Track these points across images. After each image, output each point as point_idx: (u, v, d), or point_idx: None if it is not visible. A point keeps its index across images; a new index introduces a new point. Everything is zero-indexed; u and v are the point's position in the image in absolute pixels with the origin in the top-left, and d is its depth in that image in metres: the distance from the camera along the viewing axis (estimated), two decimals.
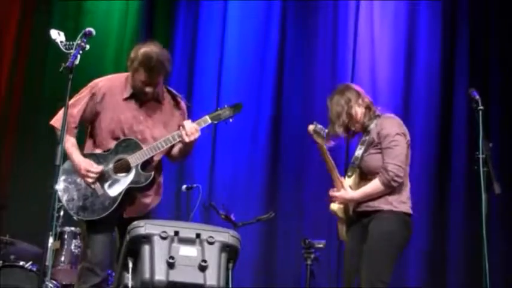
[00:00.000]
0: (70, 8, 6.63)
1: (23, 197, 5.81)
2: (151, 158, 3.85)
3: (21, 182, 6.07)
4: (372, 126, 3.92)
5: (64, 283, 4.78)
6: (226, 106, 3.98)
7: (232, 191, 6.16)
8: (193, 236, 3.19)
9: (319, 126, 3.91)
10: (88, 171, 3.77)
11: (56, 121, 3.86)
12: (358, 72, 6.32)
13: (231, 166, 6.31)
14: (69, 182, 3.80)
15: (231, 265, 3.24)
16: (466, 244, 5.78)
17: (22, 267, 4.70)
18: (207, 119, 3.91)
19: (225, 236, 3.23)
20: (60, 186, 3.78)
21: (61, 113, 3.85)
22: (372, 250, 3.76)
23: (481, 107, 3.73)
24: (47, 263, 3.34)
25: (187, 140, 3.82)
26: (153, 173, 3.84)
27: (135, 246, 3.18)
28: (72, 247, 4.94)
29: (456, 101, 6.13)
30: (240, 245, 3.28)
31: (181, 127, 3.83)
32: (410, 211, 3.87)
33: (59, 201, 3.75)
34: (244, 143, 6.35)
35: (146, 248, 3.14)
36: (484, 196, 3.62)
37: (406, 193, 3.90)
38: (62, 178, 3.79)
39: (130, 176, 3.80)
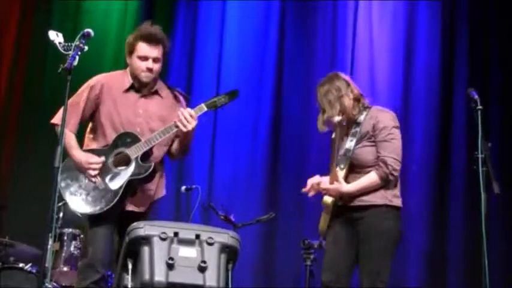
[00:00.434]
0: (69, 8, 6.64)
1: (23, 198, 5.81)
2: (151, 150, 3.86)
3: (21, 183, 6.07)
4: (362, 117, 3.82)
5: (64, 284, 4.78)
6: (222, 94, 3.98)
7: (231, 192, 6.16)
8: (193, 237, 3.19)
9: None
10: (90, 163, 3.79)
11: (57, 119, 3.88)
12: (357, 72, 6.32)
13: (230, 167, 6.31)
14: (70, 178, 3.81)
15: (230, 266, 3.24)
16: (465, 244, 5.78)
17: (22, 269, 4.70)
18: (202, 107, 3.89)
19: (225, 236, 3.23)
20: (61, 183, 3.79)
21: (61, 110, 3.87)
22: (373, 250, 3.70)
23: (480, 107, 3.73)
24: (46, 265, 3.33)
25: (184, 129, 3.81)
26: (153, 163, 3.84)
27: (135, 248, 3.19)
28: (72, 249, 4.94)
29: (455, 101, 6.13)
30: (240, 246, 3.28)
31: (177, 116, 3.81)
32: (401, 205, 3.83)
33: (61, 199, 3.76)
34: (243, 144, 6.35)
35: (146, 249, 3.14)
36: (483, 196, 3.61)
37: (398, 187, 3.85)
38: (63, 176, 3.79)
39: (131, 168, 3.81)
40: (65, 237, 4.96)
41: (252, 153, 6.33)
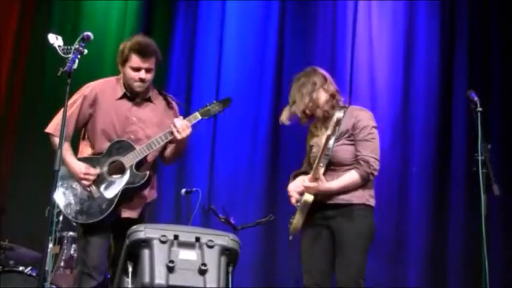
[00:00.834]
0: (69, 9, 6.63)
1: (22, 201, 5.80)
2: (145, 157, 3.88)
3: (20, 186, 6.06)
4: (339, 116, 3.77)
5: (63, 287, 4.77)
6: (215, 101, 4.02)
7: (231, 194, 6.15)
8: (193, 239, 3.20)
9: None
10: (85, 174, 3.80)
11: (51, 128, 3.89)
12: (356, 72, 6.31)
13: (230, 169, 6.30)
14: (65, 187, 3.82)
15: (230, 268, 3.26)
16: (465, 245, 5.78)
17: (21, 272, 4.69)
18: (197, 115, 3.94)
19: (225, 239, 3.24)
20: (56, 192, 3.79)
21: (55, 120, 3.89)
22: (352, 248, 3.69)
23: (479, 109, 3.73)
24: (46, 268, 3.33)
25: (178, 136, 3.84)
26: (148, 172, 3.87)
27: (135, 251, 3.20)
28: (72, 252, 4.93)
29: (455, 102, 6.12)
30: (240, 249, 3.29)
31: (172, 124, 3.84)
32: (374, 205, 3.86)
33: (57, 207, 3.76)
34: (243, 146, 6.34)
35: (146, 252, 3.16)
36: (483, 197, 3.62)
37: (373, 188, 3.88)
38: (58, 184, 3.80)
39: (126, 177, 3.83)
40: (65, 241, 4.96)
41: (252, 155, 6.32)
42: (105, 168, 3.85)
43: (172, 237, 3.18)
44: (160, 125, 3.93)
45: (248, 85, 6.48)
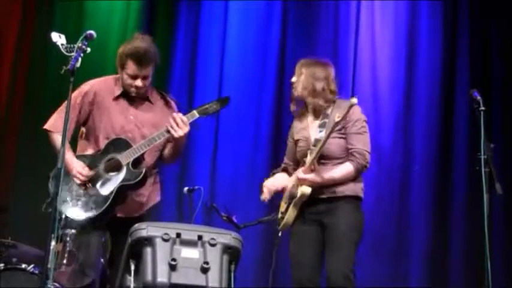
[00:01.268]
0: (71, 8, 6.63)
1: (25, 199, 5.80)
2: (143, 156, 3.88)
3: (23, 184, 6.07)
4: (330, 109, 3.83)
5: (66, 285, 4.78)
6: (213, 100, 4.01)
7: (234, 193, 6.15)
8: (195, 238, 3.20)
9: None
10: (79, 172, 3.81)
11: (49, 125, 3.89)
12: (359, 72, 6.31)
13: (232, 167, 6.30)
14: (62, 184, 3.81)
15: (233, 267, 3.25)
16: (467, 244, 5.77)
17: (24, 269, 4.69)
18: (194, 114, 3.93)
19: (227, 237, 3.23)
20: (53, 189, 3.80)
21: (54, 117, 3.90)
22: (343, 242, 3.71)
23: (482, 108, 3.73)
24: (49, 266, 3.34)
25: (175, 134, 3.83)
26: (144, 170, 3.86)
27: (137, 249, 3.19)
28: (74, 249, 4.92)
29: (457, 101, 6.12)
30: (242, 247, 3.28)
31: (169, 122, 3.84)
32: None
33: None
34: (245, 144, 6.34)
35: (148, 250, 3.15)
36: (485, 196, 3.62)
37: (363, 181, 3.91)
38: (55, 181, 3.80)
39: (122, 174, 3.84)
40: (67, 238, 4.95)
41: (254, 153, 6.32)
42: (102, 166, 3.85)
43: (174, 236, 3.17)
44: (158, 125, 3.93)
45: (250, 84, 6.48)
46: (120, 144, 3.87)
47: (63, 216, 4.51)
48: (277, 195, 4.04)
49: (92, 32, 3.58)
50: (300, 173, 3.78)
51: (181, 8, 6.73)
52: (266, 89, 6.47)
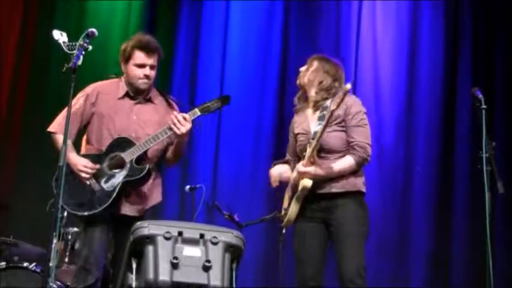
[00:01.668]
0: (73, 8, 6.64)
1: (27, 197, 5.81)
2: (145, 153, 3.90)
3: (25, 182, 6.07)
4: (328, 102, 3.79)
5: (68, 284, 4.77)
6: (214, 98, 4.02)
7: (235, 191, 6.16)
8: (197, 236, 3.20)
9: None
10: (84, 166, 3.82)
11: (54, 127, 3.91)
12: (360, 72, 6.32)
13: (234, 166, 6.31)
14: (65, 180, 3.82)
15: (234, 265, 3.25)
16: (469, 244, 5.77)
17: (26, 268, 4.70)
18: (196, 111, 3.94)
19: (229, 236, 3.24)
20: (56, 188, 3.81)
21: (58, 119, 3.92)
22: (350, 237, 3.67)
23: (484, 106, 3.72)
24: (51, 264, 3.34)
25: (178, 131, 3.84)
26: (147, 165, 3.87)
27: (139, 247, 3.19)
28: (76, 247, 4.93)
29: (459, 101, 6.12)
30: (244, 245, 3.28)
31: (171, 119, 3.85)
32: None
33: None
34: (247, 143, 6.35)
35: (150, 249, 3.15)
36: (487, 195, 3.61)
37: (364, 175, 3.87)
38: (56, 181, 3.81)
39: (125, 171, 3.85)
40: (69, 236, 4.97)
41: (256, 152, 6.32)
42: (106, 163, 3.87)
43: (176, 234, 3.18)
44: (161, 125, 3.94)
45: (252, 84, 6.49)
46: (123, 142, 3.89)
47: (65, 214, 4.54)
48: (281, 190, 4.02)
49: (94, 29, 3.59)
50: (300, 166, 3.74)
51: (182, 7, 6.74)
52: (268, 88, 6.47)
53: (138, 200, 3.94)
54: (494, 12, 6.27)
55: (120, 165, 3.86)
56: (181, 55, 6.60)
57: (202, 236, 3.20)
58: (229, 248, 3.21)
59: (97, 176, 3.85)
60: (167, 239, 3.15)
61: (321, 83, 3.87)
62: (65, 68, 3.47)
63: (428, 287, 5.83)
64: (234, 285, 3.22)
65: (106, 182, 3.85)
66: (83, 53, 3.52)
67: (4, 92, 6.46)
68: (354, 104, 3.81)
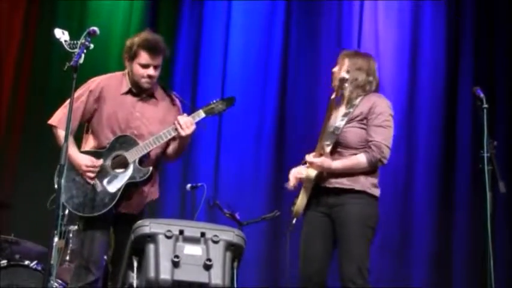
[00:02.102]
0: (74, 8, 6.64)
1: (28, 196, 5.81)
2: (148, 153, 3.89)
3: (26, 181, 6.08)
4: (358, 100, 3.75)
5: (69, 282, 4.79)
6: (219, 100, 4.03)
7: (237, 190, 6.16)
8: (198, 235, 3.20)
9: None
10: (88, 166, 3.81)
11: (55, 120, 3.90)
12: None
13: (235, 165, 6.31)
14: (67, 180, 3.82)
15: (235, 264, 3.25)
16: (471, 243, 5.77)
17: (27, 266, 4.70)
18: (200, 113, 3.94)
19: (230, 234, 3.24)
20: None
21: (59, 112, 3.91)
22: (353, 237, 3.63)
23: (485, 105, 3.71)
24: (52, 262, 3.34)
25: (183, 133, 3.85)
26: (151, 168, 3.88)
27: (140, 245, 3.20)
28: (77, 246, 4.94)
29: (461, 100, 6.12)
30: (245, 244, 3.28)
31: (176, 121, 3.85)
32: (379, 195, 3.77)
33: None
34: (248, 142, 6.35)
35: (151, 247, 3.16)
36: (489, 195, 3.60)
37: (378, 177, 3.78)
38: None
39: (129, 172, 3.84)
40: (70, 235, 4.97)
41: (257, 151, 6.33)
42: (108, 162, 3.86)
43: (177, 232, 3.18)
44: (164, 122, 3.94)
45: (254, 83, 6.49)
46: (126, 141, 3.87)
47: (66, 212, 4.54)
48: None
49: (95, 28, 3.58)
50: (310, 156, 3.73)
51: (184, 7, 6.74)
52: (269, 88, 6.47)
53: (137, 197, 3.93)
54: (496, 12, 6.27)
55: (123, 165, 3.85)
56: (183, 55, 6.60)
57: (203, 234, 3.20)
58: (230, 246, 3.21)
59: (99, 174, 3.84)
60: (168, 237, 3.16)
61: (356, 80, 3.80)
62: (66, 67, 3.46)
63: (430, 287, 5.83)
64: (235, 284, 3.22)
65: (109, 182, 3.83)
66: (85, 51, 3.51)
67: (6, 90, 6.46)
68: (380, 104, 3.75)
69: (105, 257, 4.16)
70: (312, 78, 6.42)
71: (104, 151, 3.88)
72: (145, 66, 3.90)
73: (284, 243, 5.91)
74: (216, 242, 3.19)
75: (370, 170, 3.70)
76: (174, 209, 5.98)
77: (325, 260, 3.74)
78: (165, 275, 3.10)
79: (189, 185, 5.22)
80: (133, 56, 3.92)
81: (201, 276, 3.13)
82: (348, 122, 3.70)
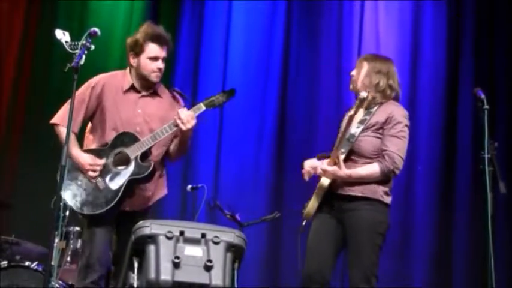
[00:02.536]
0: (75, 7, 6.64)
1: (28, 196, 5.82)
2: (150, 150, 3.87)
3: (26, 182, 6.08)
4: (375, 108, 3.74)
5: (70, 283, 4.78)
6: (220, 92, 4.00)
7: (237, 191, 6.16)
8: (199, 236, 3.20)
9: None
10: (91, 165, 3.81)
11: (57, 119, 3.90)
12: None
13: (236, 166, 6.31)
14: (70, 179, 3.82)
15: (236, 265, 3.25)
16: (471, 244, 5.77)
17: (28, 267, 4.71)
18: (201, 106, 3.91)
19: (231, 235, 3.23)
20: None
21: (61, 110, 3.90)
22: (363, 243, 3.63)
23: (486, 106, 3.71)
24: (52, 263, 3.34)
25: (183, 127, 3.82)
26: (153, 163, 3.86)
27: (141, 246, 3.19)
28: (78, 247, 4.94)
29: (461, 101, 6.12)
30: (246, 245, 3.28)
31: (176, 116, 3.83)
32: (390, 203, 3.76)
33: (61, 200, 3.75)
34: (249, 143, 6.35)
35: (152, 248, 3.15)
36: (489, 196, 3.59)
37: (391, 185, 3.78)
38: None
39: (131, 168, 3.83)
40: (71, 235, 4.97)
41: (258, 152, 6.33)
42: (110, 160, 3.85)
43: (178, 233, 3.17)
44: (166, 119, 3.92)
45: (254, 83, 6.49)
46: (127, 138, 3.86)
47: (67, 213, 4.53)
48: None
49: (96, 29, 3.58)
50: (324, 164, 3.73)
51: (184, 7, 6.74)
52: (270, 88, 6.47)
53: (141, 195, 3.92)
54: (496, 12, 6.27)
55: (125, 161, 3.84)
56: (184, 55, 6.60)
57: (204, 235, 3.19)
58: (230, 247, 3.21)
59: (101, 172, 3.83)
60: (169, 238, 3.15)
61: (377, 84, 3.80)
62: (67, 68, 3.47)
63: (431, 287, 5.83)
64: (235, 285, 3.22)
65: (111, 179, 3.83)
66: (85, 52, 3.52)
67: (6, 91, 6.46)
68: (397, 114, 3.74)
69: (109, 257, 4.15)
70: (312, 78, 6.43)
71: (105, 149, 3.87)
72: (154, 58, 3.89)
73: (284, 247, 5.97)
74: (216, 243, 3.18)
75: (382, 179, 3.71)
76: (174, 210, 5.98)
77: (329, 261, 3.74)
78: (165, 276, 3.09)
79: (189, 186, 5.21)
80: (140, 51, 3.90)
81: (202, 277, 3.12)
82: (363, 131, 3.70)
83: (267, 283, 5.95)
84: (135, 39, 3.91)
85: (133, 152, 3.83)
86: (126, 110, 3.92)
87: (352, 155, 3.71)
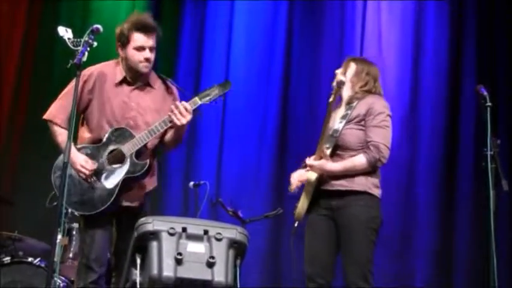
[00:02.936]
0: (77, 7, 6.64)
1: (31, 193, 5.83)
2: (145, 145, 3.82)
3: (29, 178, 6.09)
4: (355, 103, 3.79)
5: (72, 279, 4.79)
6: (214, 85, 3.95)
7: (239, 188, 6.16)
8: (201, 232, 3.19)
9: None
10: (83, 166, 3.75)
11: (49, 115, 3.87)
12: None
13: (238, 163, 6.31)
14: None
15: (238, 261, 3.24)
16: (473, 242, 5.77)
17: (30, 263, 4.72)
18: (196, 100, 3.85)
19: (233, 232, 3.23)
20: (56, 182, 3.78)
21: (53, 107, 3.88)
22: (357, 241, 3.65)
23: (489, 104, 3.70)
24: (55, 259, 3.34)
25: (178, 123, 3.77)
26: (148, 161, 3.81)
27: (143, 243, 3.19)
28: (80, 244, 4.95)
29: (463, 99, 6.12)
30: (248, 242, 3.28)
31: (171, 111, 3.78)
32: (380, 196, 3.79)
33: (57, 198, 3.73)
34: (251, 140, 6.36)
35: (154, 245, 3.15)
36: (492, 193, 3.59)
37: (379, 177, 3.81)
38: (57, 174, 3.78)
39: (126, 166, 3.78)
40: (74, 232, 4.98)
41: (260, 149, 6.33)
42: (105, 158, 3.80)
43: (180, 230, 3.16)
44: (160, 111, 3.87)
45: (256, 82, 6.49)
46: (122, 134, 3.80)
47: (69, 209, 4.53)
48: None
49: (99, 26, 3.58)
50: (311, 160, 3.75)
51: (186, 7, 6.74)
52: (272, 87, 6.48)
53: (137, 189, 3.88)
54: (499, 12, 6.27)
55: (120, 159, 3.79)
56: (186, 55, 6.60)
57: (206, 232, 3.19)
58: (233, 244, 3.21)
59: (96, 171, 3.78)
60: (171, 234, 3.15)
61: (365, 85, 3.86)
62: (69, 64, 3.46)
63: (432, 287, 5.83)
64: (238, 282, 3.22)
65: (106, 178, 3.78)
66: (88, 49, 3.51)
67: (8, 89, 6.47)
68: (377, 105, 3.78)
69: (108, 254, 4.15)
70: (314, 78, 6.43)
71: (99, 145, 3.81)
72: (140, 48, 3.81)
73: (286, 244, 5.97)
74: (219, 240, 3.18)
75: (370, 171, 3.72)
76: (177, 206, 5.98)
77: (328, 262, 3.76)
78: (168, 272, 3.09)
79: (191, 183, 5.21)
80: (126, 41, 3.84)
81: (204, 274, 3.12)
82: (346, 124, 3.73)
83: (268, 279, 5.95)
84: (121, 31, 3.86)
85: (129, 149, 3.78)
86: (119, 103, 3.85)
87: (338, 150, 3.74)
